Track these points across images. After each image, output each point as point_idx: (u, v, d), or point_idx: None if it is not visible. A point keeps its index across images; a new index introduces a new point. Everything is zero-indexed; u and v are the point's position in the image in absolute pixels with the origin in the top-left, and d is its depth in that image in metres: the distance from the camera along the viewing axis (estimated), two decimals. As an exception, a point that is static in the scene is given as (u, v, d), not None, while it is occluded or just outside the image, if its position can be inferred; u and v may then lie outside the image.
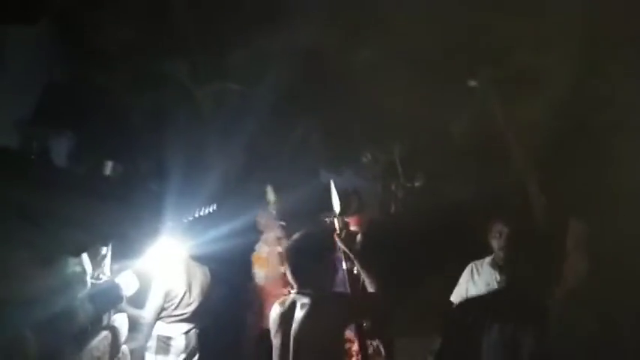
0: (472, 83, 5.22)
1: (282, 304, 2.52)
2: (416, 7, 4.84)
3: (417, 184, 7.31)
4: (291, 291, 2.52)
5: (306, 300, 2.40)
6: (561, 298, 3.84)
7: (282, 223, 4.72)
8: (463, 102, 5.41)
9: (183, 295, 4.02)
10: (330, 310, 2.41)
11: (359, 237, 3.80)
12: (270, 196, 4.36)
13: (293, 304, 2.46)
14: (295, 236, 2.62)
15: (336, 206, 2.94)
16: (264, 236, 5.12)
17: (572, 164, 4.74)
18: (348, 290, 2.80)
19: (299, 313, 2.39)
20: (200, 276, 4.16)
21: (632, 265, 3.63)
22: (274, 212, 4.54)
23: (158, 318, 3.92)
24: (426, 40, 4.97)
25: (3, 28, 6.57)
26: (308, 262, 2.49)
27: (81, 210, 2.41)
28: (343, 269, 2.96)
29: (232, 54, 6.04)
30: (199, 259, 4.20)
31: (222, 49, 6.08)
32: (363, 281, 2.90)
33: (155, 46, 5.97)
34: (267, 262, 4.99)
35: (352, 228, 3.74)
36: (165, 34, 6.07)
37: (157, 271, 3.69)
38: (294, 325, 2.39)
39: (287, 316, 2.44)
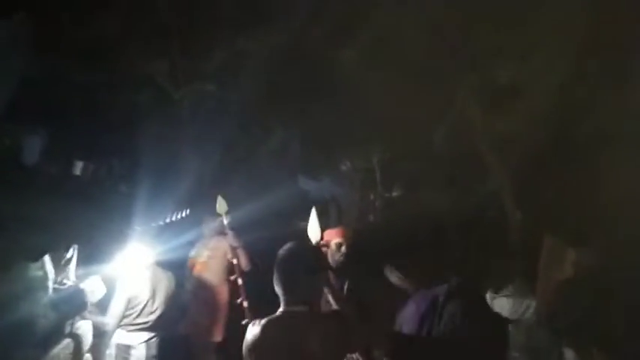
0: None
1: (266, 325, 2.16)
2: (397, 10, 4.83)
3: (395, 193, 7.29)
4: (280, 309, 2.23)
5: (300, 318, 2.16)
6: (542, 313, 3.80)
7: (233, 231, 4.59)
8: (444, 110, 5.39)
9: (146, 303, 3.89)
10: (330, 329, 2.16)
11: (343, 249, 3.66)
12: (221, 206, 4.25)
13: (281, 324, 2.17)
14: (285, 248, 2.34)
15: (312, 234, 2.80)
16: (204, 240, 5.04)
17: (550, 177, 4.74)
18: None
19: (292, 335, 2.12)
20: (165, 282, 4.03)
21: (613, 280, 3.60)
22: (226, 221, 4.42)
23: (119, 325, 3.79)
24: (407, 45, 4.95)
25: (-28, 21, 6.40)
26: (300, 275, 2.23)
27: (45, 211, 2.30)
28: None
29: (211, 56, 5.96)
30: (165, 264, 4.08)
31: (202, 51, 6.00)
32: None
33: (135, 46, 5.87)
34: (207, 266, 4.88)
35: (336, 240, 3.67)
36: (146, 34, 5.97)
37: (121, 277, 3.55)
38: (287, 347, 2.09)
39: (274, 338, 2.12)
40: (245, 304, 4.31)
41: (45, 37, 6.05)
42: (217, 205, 4.20)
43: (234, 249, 4.56)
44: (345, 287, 3.44)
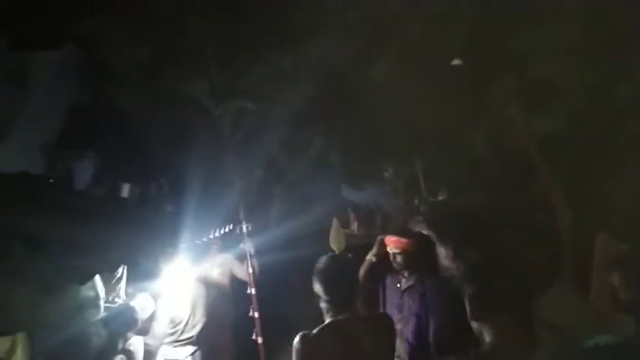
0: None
1: (319, 334, 2.22)
2: (433, 16, 4.78)
3: (440, 197, 7.16)
4: (327, 319, 2.30)
5: (349, 324, 2.23)
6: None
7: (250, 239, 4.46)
8: (485, 112, 5.28)
9: (188, 319, 3.96)
10: (376, 330, 2.29)
11: (399, 259, 3.61)
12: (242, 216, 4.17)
13: (332, 332, 2.23)
14: (327, 260, 2.41)
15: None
16: (210, 258, 4.60)
17: (598, 176, 4.56)
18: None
19: (345, 340, 2.20)
20: (203, 297, 4.07)
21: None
22: (245, 229, 4.33)
23: (164, 343, 3.87)
24: (444, 49, 4.90)
25: (26, 54, 6.76)
26: (345, 284, 2.33)
27: (92, 236, 2.39)
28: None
29: (249, 73, 6.06)
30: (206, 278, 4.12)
31: (240, 68, 6.11)
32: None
33: (173, 67, 6.06)
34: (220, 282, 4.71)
35: (394, 250, 3.61)
36: (183, 55, 6.15)
37: (164, 295, 3.63)
38: (341, 352, 2.18)
39: (328, 345, 2.19)
40: (257, 315, 4.22)
41: (89, 65, 6.35)
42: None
43: (250, 257, 4.33)
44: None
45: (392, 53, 5.38)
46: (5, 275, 1.98)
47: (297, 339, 2.22)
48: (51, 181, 3.38)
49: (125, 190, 3.72)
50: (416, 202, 7.60)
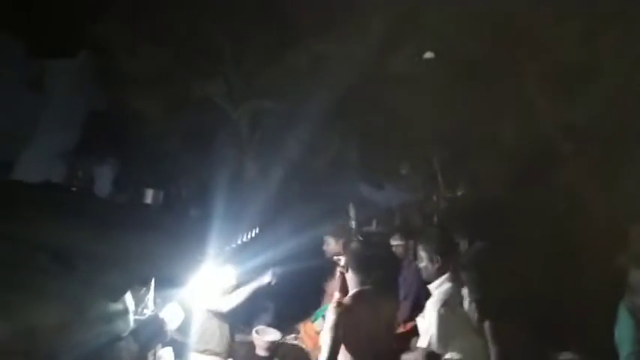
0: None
1: (349, 302, 2.60)
2: (453, 5, 4.51)
3: (459, 193, 6.90)
4: (353, 291, 2.67)
5: (371, 294, 2.62)
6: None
7: None
8: (509, 102, 4.99)
9: (220, 333, 3.72)
10: (389, 303, 2.78)
11: None
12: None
13: (359, 300, 2.61)
14: (362, 241, 2.87)
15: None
16: None
17: (631, 165, 4.29)
18: None
19: (368, 307, 2.58)
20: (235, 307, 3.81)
21: None
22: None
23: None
24: (464, 39, 4.62)
25: (44, 62, 6.59)
26: (374, 262, 2.75)
27: (120, 247, 2.16)
28: None
29: (265, 72, 5.84)
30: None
31: (255, 68, 5.90)
32: None
33: (190, 70, 5.86)
34: None
35: None
36: (200, 58, 5.94)
37: (194, 306, 3.38)
38: (365, 316, 2.56)
39: (354, 310, 2.55)
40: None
41: (106, 71, 6.17)
42: None
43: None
44: None
45: (413, 42, 5.09)
46: (33, 294, 1.76)
47: (332, 304, 2.57)
48: (73, 189, 3.14)
49: (148, 196, 3.49)
50: (434, 198, 7.36)
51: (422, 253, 2.99)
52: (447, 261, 2.89)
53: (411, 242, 3.95)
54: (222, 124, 5.80)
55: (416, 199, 7.15)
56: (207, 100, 5.85)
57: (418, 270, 3.37)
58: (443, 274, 2.85)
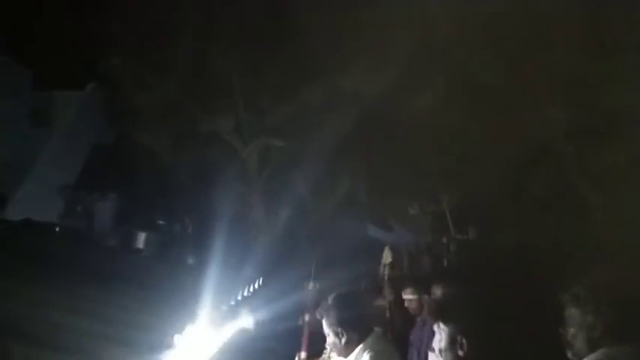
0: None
1: None
2: (471, 45, 4.30)
3: (470, 235, 6.59)
4: None
5: None
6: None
7: None
8: (534, 149, 4.72)
9: None
10: None
11: None
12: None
13: None
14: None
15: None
16: None
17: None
18: None
19: None
20: None
21: None
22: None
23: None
24: (483, 82, 4.40)
25: (50, 93, 6.46)
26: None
27: (110, 315, 1.90)
28: None
29: (275, 110, 5.65)
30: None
31: (267, 105, 5.72)
32: None
33: (198, 105, 5.69)
34: None
35: None
36: (209, 94, 5.77)
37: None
38: None
39: None
40: None
41: (114, 104, 6.01)
42: None
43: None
44: None
45: (429, 87, 4.88)
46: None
47: None
48: (56, 229, 2.91)
49: (140, 241, 3.23)
50: (444, 240, 7.05)
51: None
52: None
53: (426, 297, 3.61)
54: (229, 161, 5.58)
55: (424, 240, 6.89)
56: (215, 136, 5.65)
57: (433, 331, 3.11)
58: None
